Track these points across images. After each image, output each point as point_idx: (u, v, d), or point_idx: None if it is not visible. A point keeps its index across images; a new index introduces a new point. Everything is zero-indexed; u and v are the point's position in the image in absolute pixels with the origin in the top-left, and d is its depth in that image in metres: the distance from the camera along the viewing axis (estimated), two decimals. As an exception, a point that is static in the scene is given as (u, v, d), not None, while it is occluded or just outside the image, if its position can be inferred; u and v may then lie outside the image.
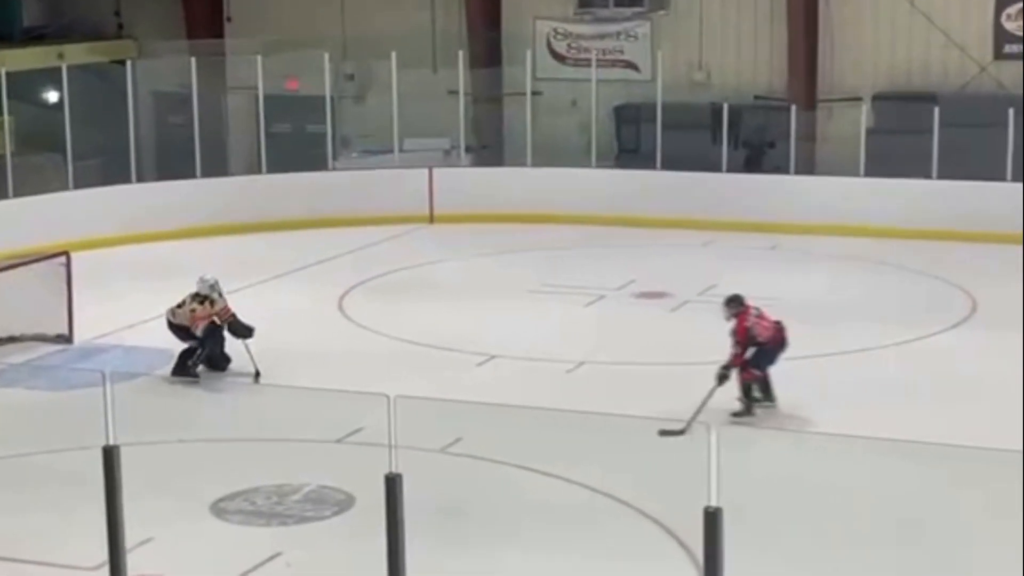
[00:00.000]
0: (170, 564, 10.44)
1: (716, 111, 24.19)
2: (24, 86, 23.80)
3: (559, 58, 26.66)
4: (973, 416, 13.77)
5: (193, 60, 24.12)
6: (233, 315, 15.68)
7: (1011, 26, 24.28)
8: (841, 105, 24.71)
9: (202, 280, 15.70)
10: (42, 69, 24.33)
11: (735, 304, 14.05)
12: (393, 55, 24.46)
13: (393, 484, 7.67)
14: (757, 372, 13.86)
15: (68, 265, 17.37)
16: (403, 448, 7.81)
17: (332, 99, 25.03)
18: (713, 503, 7.08)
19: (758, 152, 24.83)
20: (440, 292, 19.74)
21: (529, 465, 12.39)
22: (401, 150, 25.22)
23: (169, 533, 10.96)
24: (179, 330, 15.70)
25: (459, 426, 13.14)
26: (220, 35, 27.60)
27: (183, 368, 15.52)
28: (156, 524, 10.61)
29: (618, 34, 26.23)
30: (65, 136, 22.93)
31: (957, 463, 11.28)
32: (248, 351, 15.52)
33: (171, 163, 24.86)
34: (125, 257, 21.62)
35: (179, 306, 15.73)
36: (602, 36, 26.25)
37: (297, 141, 25.63)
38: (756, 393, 13.96)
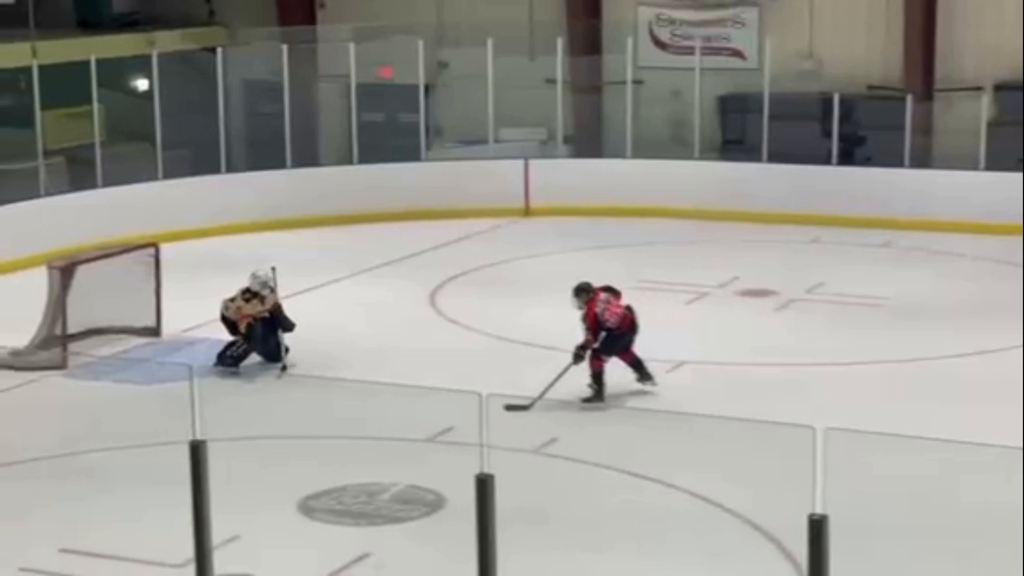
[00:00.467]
0: (257, 562, 10.44)
1: (826, 101, 23.82)
2: (114, 74, 23.89)
3: (661, 46, 26.31)
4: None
5: (284, 48, 24.13)
6: (279, 308, 15.71)
7: None
8: (960, 95, 24.08)
9: (254, 276, 15.75)
10: (132, 57, 24.39)
11: (583, 294, 14.44)
12: (489, 42, 24.30)
13: (484, 485, 7.48)
14: (604, 359, 14.23)
15: (157, 256, 17.40)
16: (495, 448, 7.63)
17: (426, 88, 24.97)
18: (818, 510, 6.85)
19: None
20: (535, 287, 19.50)
21: (624, 467, 12.35)
22: (496, 140, 25.11)
23: (256, 530, 10.92)
24: (229, 323, 15.82)
25: (553, 426, 13.22)
26: (312, 22, 27.62)
27: (223, 358, 15.62)
28: (243, 521, 10.60)
29: (724, 21, 25.90)
30: (155, 125, 23.02)
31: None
32: (282, 344, 15.57)
33: (261, 153, 24.89)
34: (214, 248, 21.63)
35: (231, 300, 15.80)
36: (707, 23, 25.91)
37: (390, 131, 25.61)
38: (605, 378, 14.31)
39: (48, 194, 22.17)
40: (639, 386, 14.45)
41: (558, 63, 24.72)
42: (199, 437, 8.02)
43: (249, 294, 15.64)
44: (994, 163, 22.57)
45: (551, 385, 13.91)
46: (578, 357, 14.15)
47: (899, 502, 11.43)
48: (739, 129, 25.39)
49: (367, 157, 24.33)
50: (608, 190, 24.08)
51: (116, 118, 23.82)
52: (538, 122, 25.40)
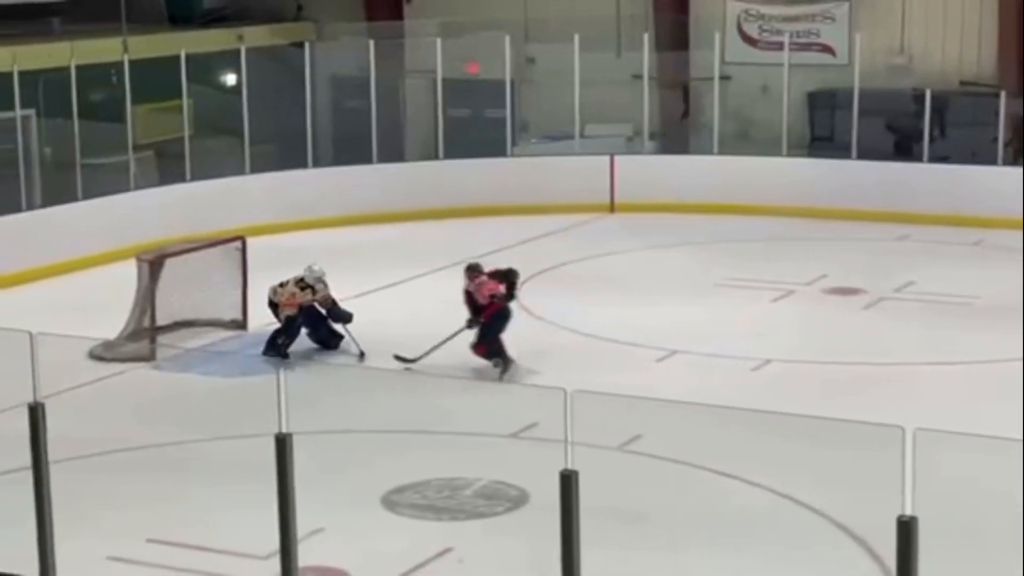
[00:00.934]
0: (341, 555, 10.51)
1: (918, 97, 23.46)
2: (203, 69, 24.03)
3: (750, 41, 26.07)
4: None
5: (371, 43, 24.12)
6: (333, 301, 16.06)
7: None
8: (1056, 92, 23.65)
9: (309, 269, 16.15)
10: (221, 52, 24.51)
11: (472, 270, 15.70)
12: (576, 38, 24.15)
13: (568, 481, 7.47)
14: (483, 347, 15.02)
15: (244, 250, 17.47)
16: (580, 445, 7.56)
17: (512, 83, 24.84)
18: (908, 512, 6.79)
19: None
20: (620, 284, 19.44)
21: (708, 465, 12.25)
22: (582, 136, 25.00)
23: (340, 524, 10.93)
24: (275, 308, 16.10)
25: (638, 423, 12.96)
26: (399, 17, 27.63)
27: (273, 347, 15.84)
28: (327, 514, 10.56)
29: (814, 16, 25.63)
30: (243, 120, 23.13)
31: None
32: (349, 334, 15.98)
33: (347, 148, 24.96)
34: (300, 242, 21.58)
35: (282, 285, 16.10)
36: (796, 18, 25.67)
37: (476, 126, 25.58)
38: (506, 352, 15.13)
39: (138, 188, 22.42)
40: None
41: (644, 58, 24.54)
42: (284, 430, 8.03)
43: (304, 284, 15.98)
44: (1092, 161, 22.18)
45: (443, 343, 15.04)
46: (471, 322, 15.20)
47: (987, 504, 11.20)
48: (828, 125, 25.13)
49: (453, 152, 24.36)
50: (694, 187, 23.91)
51: (205, 113, 23.97)
52: (624, 118, 25.24)
